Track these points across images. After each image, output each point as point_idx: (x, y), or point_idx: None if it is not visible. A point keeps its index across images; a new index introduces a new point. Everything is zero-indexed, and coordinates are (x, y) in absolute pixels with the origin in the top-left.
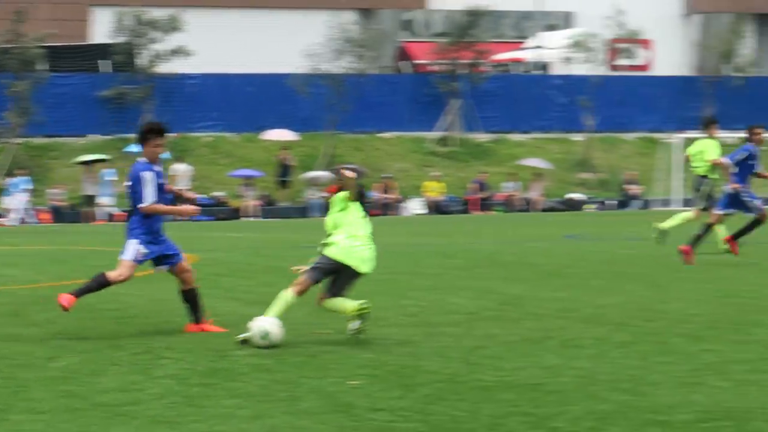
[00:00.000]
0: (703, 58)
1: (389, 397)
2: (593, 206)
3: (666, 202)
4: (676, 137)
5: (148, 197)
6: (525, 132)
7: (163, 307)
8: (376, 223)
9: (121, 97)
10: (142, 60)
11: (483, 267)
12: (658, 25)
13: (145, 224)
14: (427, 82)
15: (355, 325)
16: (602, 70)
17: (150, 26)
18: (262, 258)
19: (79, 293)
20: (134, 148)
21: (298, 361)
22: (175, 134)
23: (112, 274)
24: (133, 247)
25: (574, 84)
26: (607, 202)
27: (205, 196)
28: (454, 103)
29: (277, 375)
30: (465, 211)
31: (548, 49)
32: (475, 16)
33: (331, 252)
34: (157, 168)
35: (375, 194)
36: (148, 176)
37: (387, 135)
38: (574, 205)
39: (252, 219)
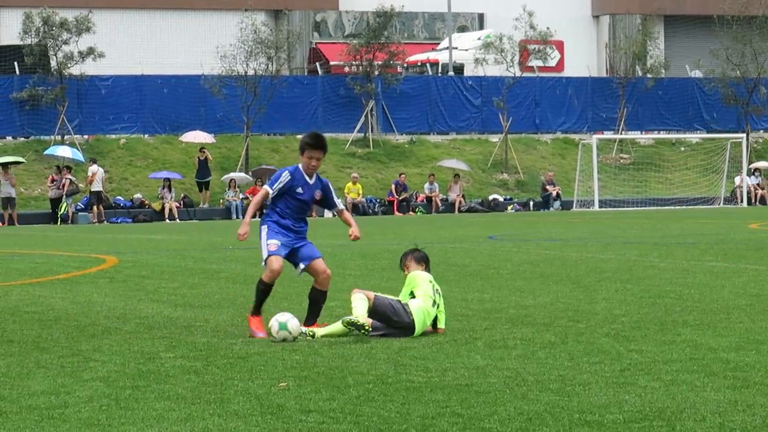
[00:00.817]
0: (613, 59)
1: (319, 398)
2: (510, 207)
3: (585, 203)
4: (595, 138)
5: (267, 184)
6: (442, 133)
7: (87, 309)
8: None
9: (34, 99)
10: (54, 61)
11: None
12: (567, 26)
13: (276, 217)
14: (341, 83)
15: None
16: (515, 72)
17: (60, 27)
18: (185, 260)
19: (258, 309)
20: (56, 150)
21: (226, 363)
22: (88, 136)
23: (265, 277)
24: (264, 242)
25: (488, 85)
26: (530, 203)
27: (123, 198)
28: (369, 104)
29: (206, 377)
30: (387, 213)
31: (461, 50)
32: (385, 17)
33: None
34: (307, 179)
35: None
36: (282, 174)
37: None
38: (496, 206)
39: (170, 221)
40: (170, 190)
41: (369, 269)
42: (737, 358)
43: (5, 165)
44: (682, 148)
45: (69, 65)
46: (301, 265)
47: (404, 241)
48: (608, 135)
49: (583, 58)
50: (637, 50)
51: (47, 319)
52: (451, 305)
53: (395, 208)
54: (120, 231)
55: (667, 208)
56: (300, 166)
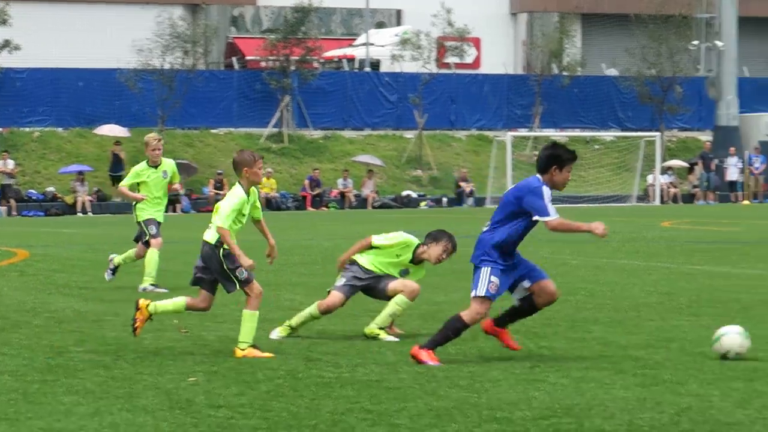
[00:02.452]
0: (530, 56)
1: (228, 393)
2: (424, 203)
3: (499, 200)
4: (509, 135)
5: (551, 211)
6: (357, 129)
7: None
8: (209, 220)
9: None
10: None
11: (319, 264)
12: (485, 23)
13: (503, 250)
14: (257, 78)
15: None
16: (431, 68)
17: None
18: (97, 254)
19: (435, 345)
20: None
21: (135, 357)
22: (2, 129)
23: (466, 316)
24: (485, 278)
25: (404, 82)
26: (443, 199)
27: (35, 191)
28: (285, 99)
29: (115, 371)
30: (300, 208)
31: (378, 47)
32: (303, 12)
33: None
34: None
35: (207, 191)
36: (545, 193)
37: (218, 131)
38: (409, 203)
39: (83, 215)
40: (83, 184)
41: (282, 265)
42: (647, 355)
43: None
44: (596, 146)
45: None
46: (525, 284)
47: (317, 236)
48: (523, 132)
49: (500, 55)
50: (554, 48)
51: None
52: (363, 301)
53: (308, 204)
54: (31, 224)
55: (580, 205)
56: (543, 180)
